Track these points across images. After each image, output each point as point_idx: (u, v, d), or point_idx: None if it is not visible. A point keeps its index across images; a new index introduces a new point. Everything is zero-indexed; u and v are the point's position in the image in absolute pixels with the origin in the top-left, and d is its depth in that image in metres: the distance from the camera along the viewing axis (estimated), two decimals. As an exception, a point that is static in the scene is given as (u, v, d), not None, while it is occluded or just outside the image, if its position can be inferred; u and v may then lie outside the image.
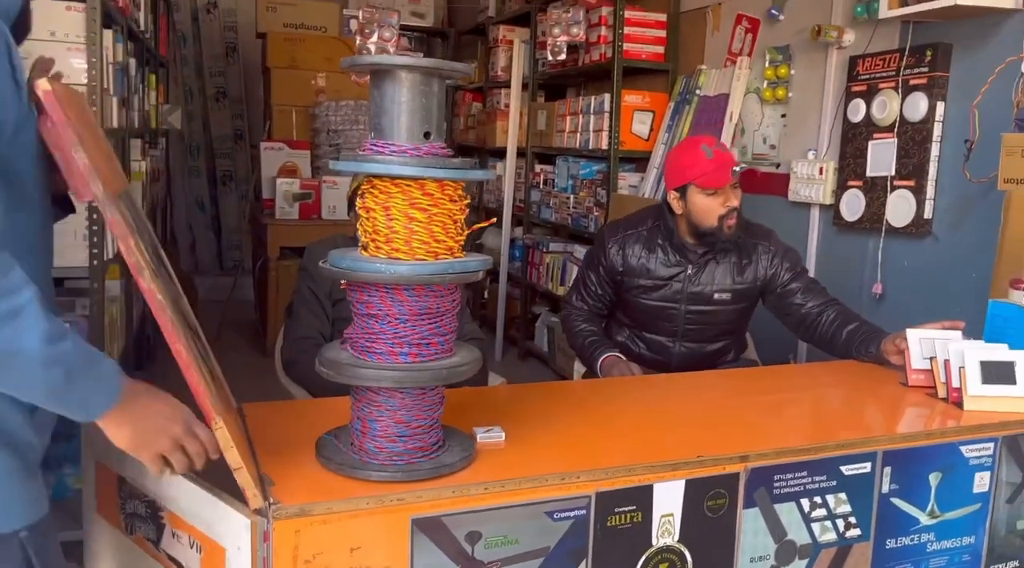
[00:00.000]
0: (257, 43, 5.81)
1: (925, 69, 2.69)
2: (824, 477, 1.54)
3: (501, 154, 5.26)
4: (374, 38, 3.69)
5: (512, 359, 5.14)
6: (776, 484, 1.50)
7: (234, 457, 1.13)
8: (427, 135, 1.27)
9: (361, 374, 1.25)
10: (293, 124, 5.09)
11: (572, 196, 4.44)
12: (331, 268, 1.27)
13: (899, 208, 2.79)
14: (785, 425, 1.70)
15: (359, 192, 1.31)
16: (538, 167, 5.03)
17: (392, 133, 1.26)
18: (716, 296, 2.39)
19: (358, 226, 1.30)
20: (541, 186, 4.88)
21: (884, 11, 2.63)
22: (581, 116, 4.30)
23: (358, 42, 3.81)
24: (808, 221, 3.25)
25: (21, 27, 1.13)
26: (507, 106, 5.12)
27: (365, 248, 1.29)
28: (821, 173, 3.11)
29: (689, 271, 2.39)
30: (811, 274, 3.21)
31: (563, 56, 4.16)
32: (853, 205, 2.98)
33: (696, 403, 1.83)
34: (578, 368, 2.66)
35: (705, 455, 1.43)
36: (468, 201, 1.32)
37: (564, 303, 2.65)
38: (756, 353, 2.74)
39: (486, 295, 5.78)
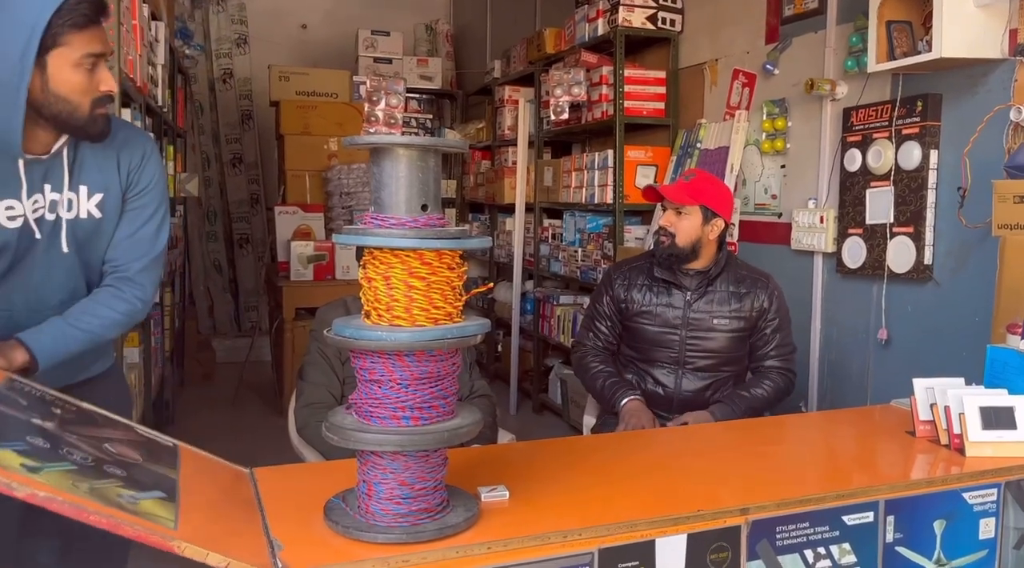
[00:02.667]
0: (271, 110, 5.98)
1: (917, 119, 2.76)
2: (827, 527, 1.55)
3: (510, 210, 5.36)
4: (381, 105, 3.81)
5: (526, 412, 5.16)
6: (779, 536, 1.51)
7: (216, 559, 1.15)
8: (424, 207, 1.33)
9: (365, 438, 1.30)
10: (307, 188, 5.22)
11: (580, 249, 4.51)
12: (335, 337, 1.32)
13: (899, 254, 2.83)
14: (786, 476, 1.71)
15: (361, 263, 1.37)
16: (546, 222, 5.11)
17: (391, 206, 1.32)
18: (715, 322, 2.51)
19: (361, 294, 1.36)
20: (550, 240, 4.96)
21: (872, 65, 2.71)
22: (586, 172, 4.39)
23: (366, 109, 3.94)
24: (812, 269, 3.29)
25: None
26: (514, 163, 5.23)
27: (368, 316, 1.35)
28: (822, 221, 3.16)
29: (688, 297, 2.51)
30: (817, 321, 3.27)
31: (566, 115, 4.27)
32: (854, 252, 3.03)
33: (700, 456, 1.85)
34: (587, 422, 2.69)
35: (704, 509, 1.46)
36: (465, 268, 1.38)
37: (575, 344, 2.71)
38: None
39: (499, 348, 5.83)
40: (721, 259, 2.54)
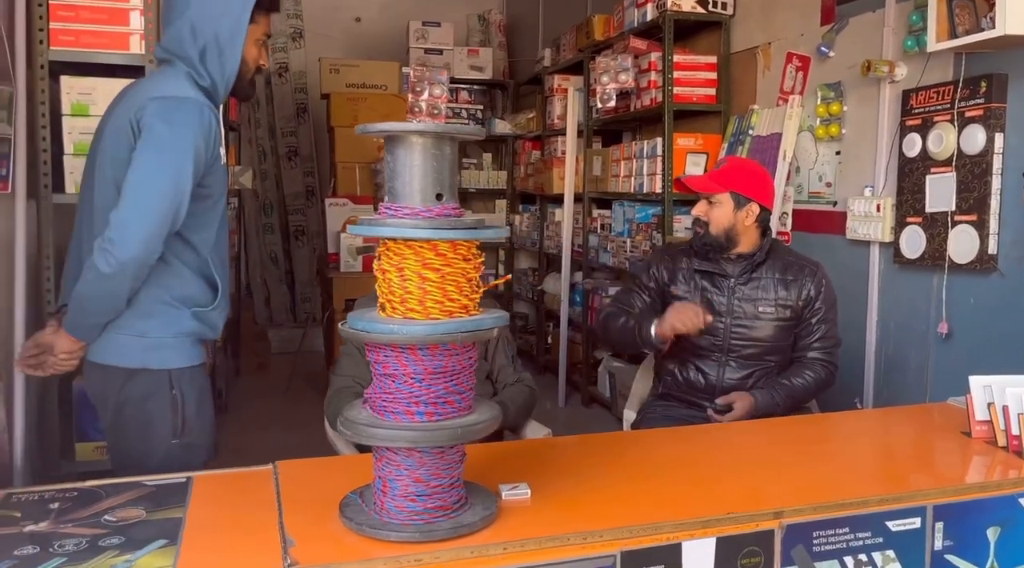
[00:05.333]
0: (324, 102, 6.02)
1: (981, 100, 2.61)
2: (869, 533, 1.46)
3: (560, 200, 5.29)
4: (425, 95, 3.79)
5: (575, 405, 5.10)
6: (816, 541, 1.43)
7: None
8: (439, 197, 1.29)
9: (377, 434, 1.27)
10: (356, 180, 5.24)
11: (629, 240, 4.42)
12: (349, 330, 1.30)
13: (962, 244, 2.68)
14: (827, 478, 1.62)
15: (376, 253, 1.34)
16: (595, 212, 5.03)
17: (405, 196, 1.29)
18: (760, 309, 2.43)
19: (376, 287, 1.33)
20: (599, 231, 4.88)
21: (932, 44, 2.57)
22: (635, 161, 4.30)
23: (410, 99, 3.91)
24: (868, 259, 3.15)
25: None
26: (564, 153, 5.16)
27: (383, 308, 1.32)
28: (879, 210, 3.02)
29: (731, 284, 2.43)
30: (873, 314, 3.13)
31: (612, 103, 4.19)
32: (913, 242, 2.88)
33: (736, 455, 1.78)
34: (627, 416, 2.62)
35: (736, 511, 1.39)
36: (482, 259, 1.34)
37: (608, 301, 2.66)
38: (815, 399, 2.65)
39: (549, 340, 5.78)
40: (765, 245, 2.46)
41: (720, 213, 2.43)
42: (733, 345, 2.45)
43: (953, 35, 2.53)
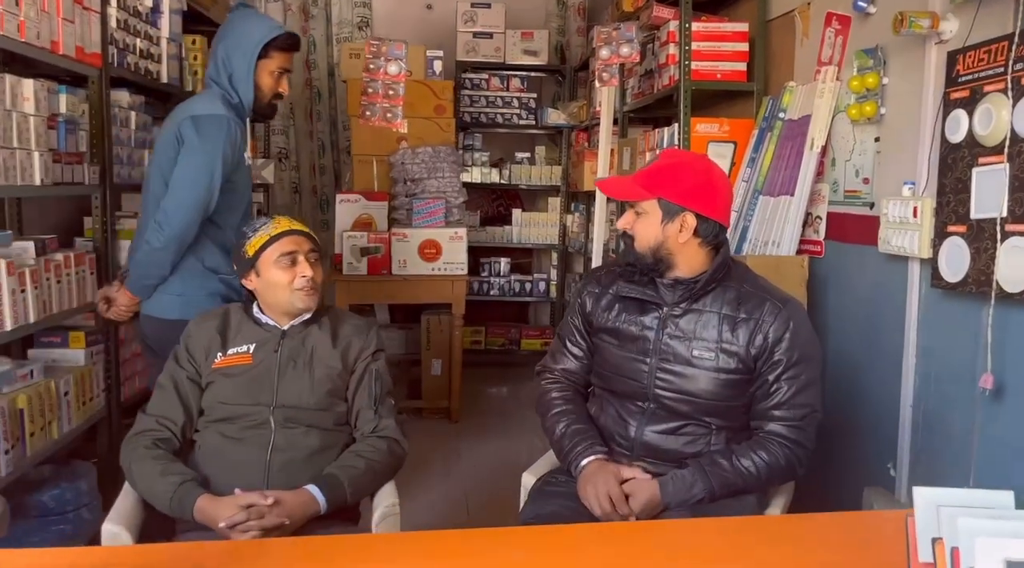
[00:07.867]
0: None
1: (1042, 60, 1.82)
2: None
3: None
4: (381, 74, 3.29)
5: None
6: None
7: None
8: None
9: None
10: (374, 175, 4.78)
11: (651, 246, 3.74)
12: None
13: (1014, 264, 1.89)
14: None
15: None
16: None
17: None
18: (695, 353, 1.79)
19: None
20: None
21: (964, -21, 1.80)
22: (657, 152, 3.62)
23: (364, 79, 3.42)
24: (905, 282, 2.37)
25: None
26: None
27: None
28: (915, 215, 2.25)
29: (663, 312, 1.82)
30: (911, 355, 2.36)
31: (616, 80, 3.52)
32: (955, 259, 2.10)
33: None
34: (526, 481, 2.01)
35: None
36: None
37: (540, 369, 2.10)
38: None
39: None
40: (713, 269, 1.80)
41: (645, 225, 1.84)
42: (658, 394, 1.82)
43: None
